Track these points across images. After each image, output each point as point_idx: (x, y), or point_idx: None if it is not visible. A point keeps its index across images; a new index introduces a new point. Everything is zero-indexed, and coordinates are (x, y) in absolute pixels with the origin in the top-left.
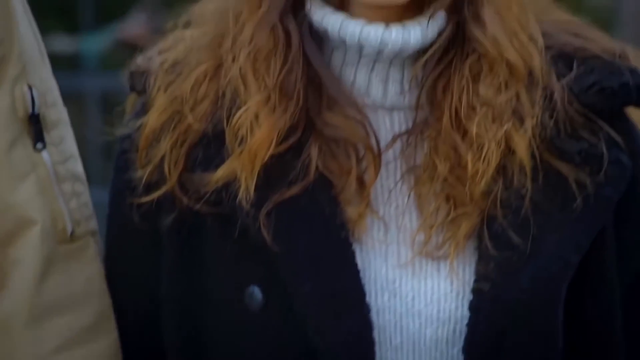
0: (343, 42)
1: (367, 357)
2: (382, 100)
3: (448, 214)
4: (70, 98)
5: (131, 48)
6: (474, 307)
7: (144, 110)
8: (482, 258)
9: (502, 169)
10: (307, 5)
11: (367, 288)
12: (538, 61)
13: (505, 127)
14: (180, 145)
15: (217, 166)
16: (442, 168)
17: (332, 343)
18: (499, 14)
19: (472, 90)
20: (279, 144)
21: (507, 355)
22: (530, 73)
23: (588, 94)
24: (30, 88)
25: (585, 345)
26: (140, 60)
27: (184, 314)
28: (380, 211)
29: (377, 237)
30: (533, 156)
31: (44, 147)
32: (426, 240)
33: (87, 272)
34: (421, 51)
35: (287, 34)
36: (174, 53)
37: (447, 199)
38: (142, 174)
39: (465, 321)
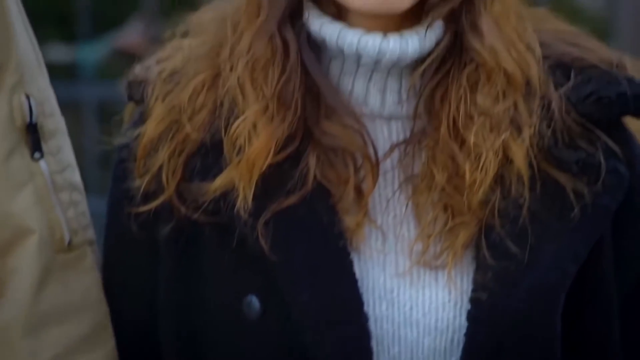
0: (341, 51)
1: None
2: (380, 109)
3: (446, 224)
4: (67, 107)
5: (128, 57)
6: (471, 316)
7: (142, 119)
8: (480, 268)
9: (499, 179)
10: (305, 15)
11: (365, 297)
12: (536, 71)
13: (502, 137)
14: (178, 155)
15: (215, 176)
16: (440, 177)
17: (330, 352)
18: (496, 24)
19: (470, 100)
20: (276, 153)
21: None
22: (528, 82)
23: (585, 103)
24: (28, 97)
25: (584, 355)
26: (138, 70)
27: (181, 323)
28: (378, 220)
29: (375, 247)
30: (531, 166)
31: (42, 156)
32: (424, 249)
33: (85, 281)
34: (419, 61)
35: (285, 44)
36: (172, 62)
37: (445, 208)
38: (140, 183)
39: (463, 331)
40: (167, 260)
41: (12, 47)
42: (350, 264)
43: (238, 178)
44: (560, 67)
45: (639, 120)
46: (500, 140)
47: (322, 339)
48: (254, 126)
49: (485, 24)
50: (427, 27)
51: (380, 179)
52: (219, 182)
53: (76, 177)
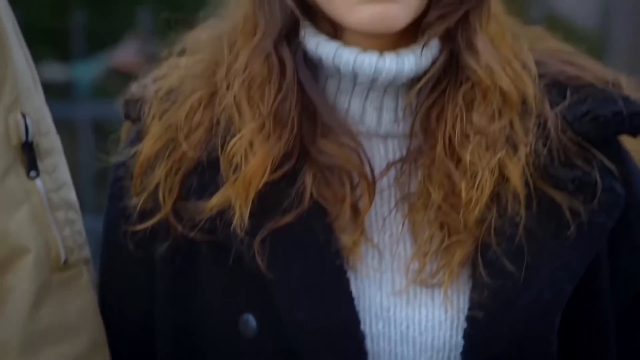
0: (337, 70)
1: None
2: (377, 128)
3: (442, 242)
4: (62, 126)
5: (123, 76)
6: (468, 335)
7: (138, 138)
8: (477, 286)
9: (496, 197)
10: (301, 34)
11: (361, 316)
12: (531, 89)
13: (498, 155)
14: (174, 173)
15: (212, 194)
16: (436, 196)
17: None
18: (492, 43)
19: (466, 119)
20: (273, 171)
21: None
22: (524, 101)
23: (581, 122)
24: (24, 116)
25: None
26: (134, 88)
27: (178, 341)
28: (375, 239)
29: (372, 265)
30: (527, 184)
31: (38, 175)
32: (420, 268)
33: (81, 300)
34: (415, 79)
35: (282, 62)
36: (168, 81)
37: (441, 226)
38: (136, 201)
39: (460, 349)
40: (164, 278)
41: (8, 66)
42: (346, 283)
43: (234, 196)
44: (556, 86)
45: (634, 139)
46: (496, 158)
47: (319, 357)
48: (251, 144)
49: (481, 42)
50: (423, 46)
51: (377, 197)
52: (215, 201)
53: (72, 195)
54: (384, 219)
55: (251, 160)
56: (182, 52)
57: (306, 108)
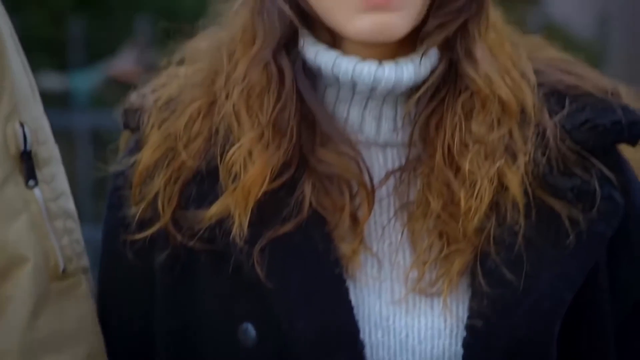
0: (336, 79)
1: None
2: (376, 137)
3: (441, 251)
4: (60, 135)
5: (121, 85)
6: (467, 344)
7: (137, 147)
8: (476, 295)
9: (495, 206)
10: (300, 43)
11: (360, 325)
12: (530, 98)
13: (497, 164)
14: (174, 182)
15: (211, 203)
16: (435, 205)
17: None
18: (491, 52)
19: (465, 128)
20: (272, 180)
21: None
22: (523, 110)
23: (580, 131)
24: (22, 125)
25: None
26: (134, 98)
27: (177, 350)
28: (374, 248)
29: (371, 274)
30: (526, 193)
31: (36, 184)
32: (419, 277)
33: (79, 309)
34: (414, 88)
35: (281, 71)
36: (167, 90)
37: (440, 235)
38: (135, 210)
39: (459, 358)
40: (163, 287)
41: (6, 75)
42: (346, 292)
43: (234, 205)
44: (554, 95)
45: (633, 148)
46: (495, 167)
47: None
48: (250, 153)
49: (480, 51)
50: (422, 55)
51: (376, 206)
52: (214, 210)
53: (70, 204)
54: (383, 227)
55: (250, 169)
56: (181, 62)
57: (305, 117)
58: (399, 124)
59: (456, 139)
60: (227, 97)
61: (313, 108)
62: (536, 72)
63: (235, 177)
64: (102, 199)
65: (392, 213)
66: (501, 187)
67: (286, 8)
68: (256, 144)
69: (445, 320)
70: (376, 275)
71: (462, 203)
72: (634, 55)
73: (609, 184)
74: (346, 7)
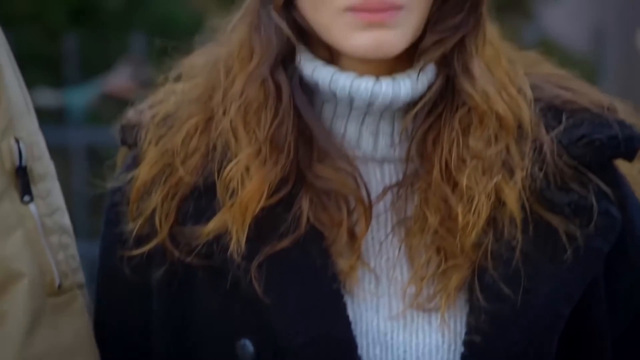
0: (334, 95)
1: None
2: (373, 152)
3: (439, 266)
4: (55, 152)
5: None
6: (465, 359)
7: (135, 163)
8: (473, 310)
9: (492, 221)
10: (297, 59)
11: (358, 340)
12: (527, 113)
13: (495, 180)
14: (171, 198)
15: (208, 219)
16: (433, 220)
17: None
18: (488, 67)
19: (462, 143)
20: (269, 196)
21: None
22: (520, 125)
23: (577, 146)
24: (17, 141)
25: None
26: (131, 114)
27: None
28: (372, 263)
29: (369, 289)
30: (523, 208)
31: (31, 199)
32: (417, 292)
33: (75, 324)
34: (411, 104)
35: (278, 87)
36: (165, 106)
37: (438, 250)
38: (133, 227)
39: None
40: (160, 303)
41: (1, 92)
42: (343, 307)
43: (231, 221)
44: (551, 110)
45: (629, 163)
46: (493, 183)
47: None
48: (247, 169)
49: (477, 67)
50: (420, 71)
51: (373, 221)
52: (212, 226)
53: (66, 220)
54: (380, 243)
55: (248, 185)
56: (178, 78)
57: (302, 133)
58: (397, 139)
59: (453, 155)
60: (224, 113)
61: (310, 124)
62: (533, 87)
63: (233, 193)
64: (98, 214)
65: (389, 228)
66: (498, 202)
67: (283, 24)
68: (253, 160)
69: (443, 336)
70: (374, 291)
71: (460, 218)
72: (629, 69)
73: (606, 199)
74: (343, 24)
